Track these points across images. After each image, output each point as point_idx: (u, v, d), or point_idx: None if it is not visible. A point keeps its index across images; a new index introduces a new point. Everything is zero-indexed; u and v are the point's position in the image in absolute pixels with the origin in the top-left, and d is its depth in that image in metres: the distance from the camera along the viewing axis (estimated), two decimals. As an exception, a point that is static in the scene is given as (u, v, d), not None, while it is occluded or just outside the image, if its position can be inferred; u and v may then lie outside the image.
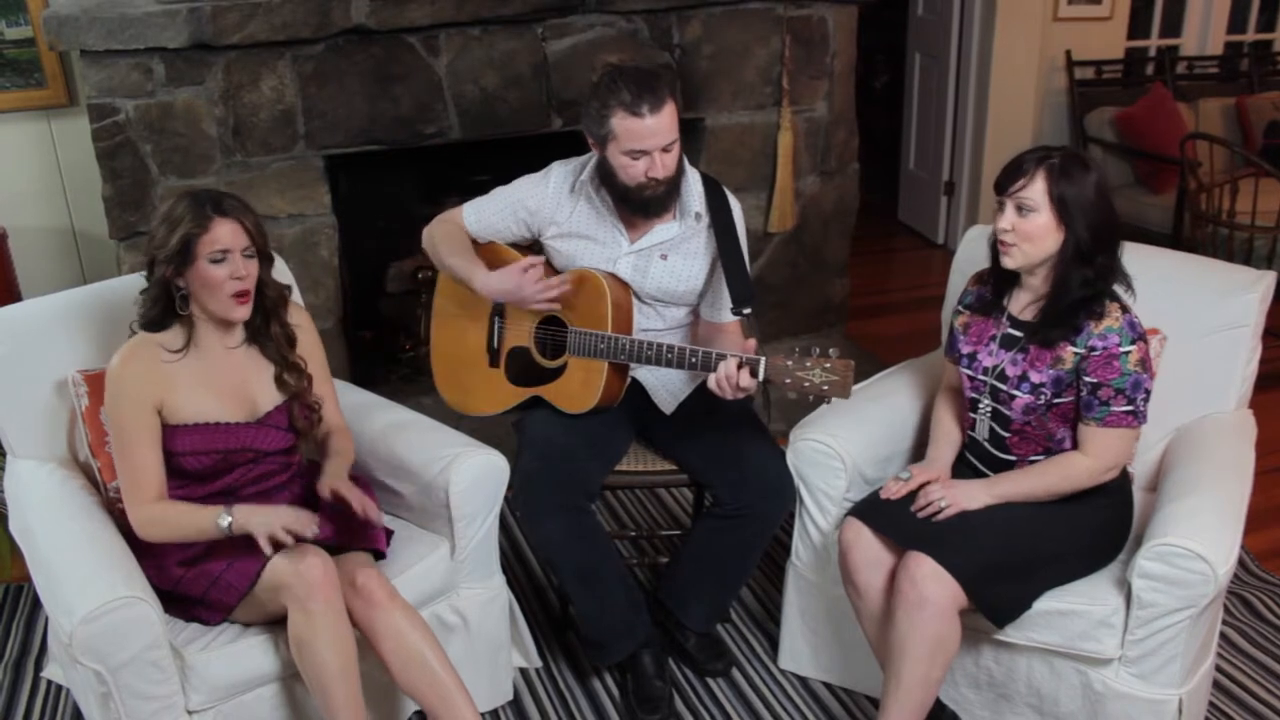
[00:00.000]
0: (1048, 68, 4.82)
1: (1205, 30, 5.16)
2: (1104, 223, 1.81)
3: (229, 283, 1.77)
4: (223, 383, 1.87)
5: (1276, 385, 3.59)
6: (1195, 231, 3.80)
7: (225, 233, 1.76)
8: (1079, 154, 1.85)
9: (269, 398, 1.91)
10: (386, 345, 3.51)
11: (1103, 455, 1.87)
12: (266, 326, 1.91)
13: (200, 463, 1.84)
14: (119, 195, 2.87)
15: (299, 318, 1.99)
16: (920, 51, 5.07)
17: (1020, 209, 1.81)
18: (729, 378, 1.86)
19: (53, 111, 3.16)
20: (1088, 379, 1.83)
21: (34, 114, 3.14)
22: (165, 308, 1.82)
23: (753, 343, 1.90)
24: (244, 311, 1.82)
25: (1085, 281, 1.82)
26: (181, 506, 1.83)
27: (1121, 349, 1.81)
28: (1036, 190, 1.79)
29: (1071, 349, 1.84)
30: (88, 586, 1.66)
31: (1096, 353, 1.82)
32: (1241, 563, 2.66)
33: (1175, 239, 4.10)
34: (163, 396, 1.81)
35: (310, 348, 1.99)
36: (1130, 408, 1.83)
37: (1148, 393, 1.85)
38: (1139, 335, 1.83)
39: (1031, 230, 1.81)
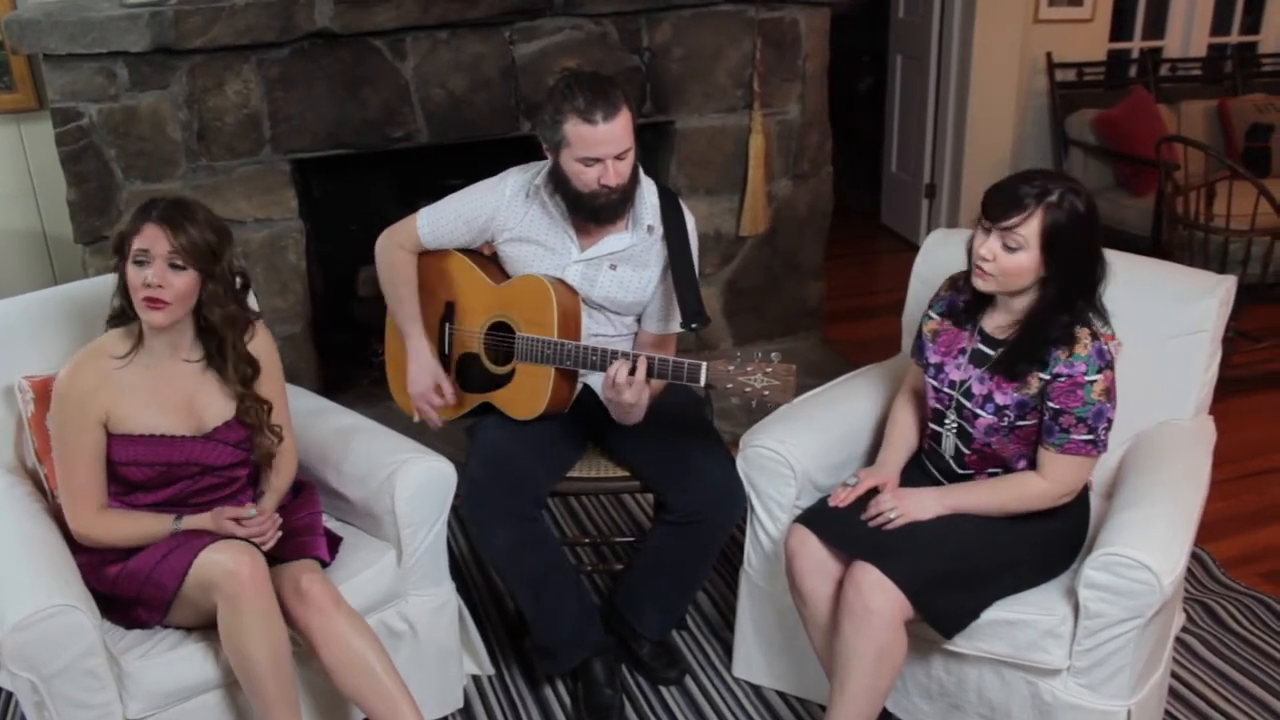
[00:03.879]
0: (1029, 70, 4.80)
1: (1188, 32, 5.14)
2: (1088, 266, 1.75)
3: (141, 288, 1.76)
4: (170, 395, 1.85)
5: (1249, 390, 3.57)
6: (1171, 234, 3.78)
7: (150, 237, 1.75)
8: (1076, 187, 1.73)
9: (217, 414, 1.89)
10: (358, 349, 3.50)
11: (1059, 481, 1.84)
12: (219, 350, 1.88)
13: (143, 473, 1.83)
14: (84, 199, 2.87)
15: (262, 344, 1.95)
16: (901, 53, 5.06)
17: (1007, 244, 1.74)
18: (611, 379, 1.89)
19: (22, 115, 3.16)
20: (1051, 404, 1.80)
21: (3, 117, 3.14)
22: (124, 302, 1.83)
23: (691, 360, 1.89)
24: (159, 319, 1.78)
25: (1062, 325, 1.78)
26: (128, 517, 1.83)
27: (1087, 378, 1.77)
28: (1030, 230, 1.71)
29: (1038, 375, 1.81)
30: (21, 594, 1.65)
31: (1061, 379, 1.78)
32: (1206, 569, 2.64)
33: (1154, 242, 4.08)
34: (109, 408, 1.80)
35: (270, 372, 1.96)
36: (1090, 437, 1.80)
37: (1110, 422, 1.82)
38: (1106, 364, 1.79)
39: (1013, 267, 1.75)
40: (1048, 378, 1.79)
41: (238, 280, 1.88)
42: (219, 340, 1.87)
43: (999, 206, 1.74)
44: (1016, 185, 1.74)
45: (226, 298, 1.85)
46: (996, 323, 1.88)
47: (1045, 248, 1.72)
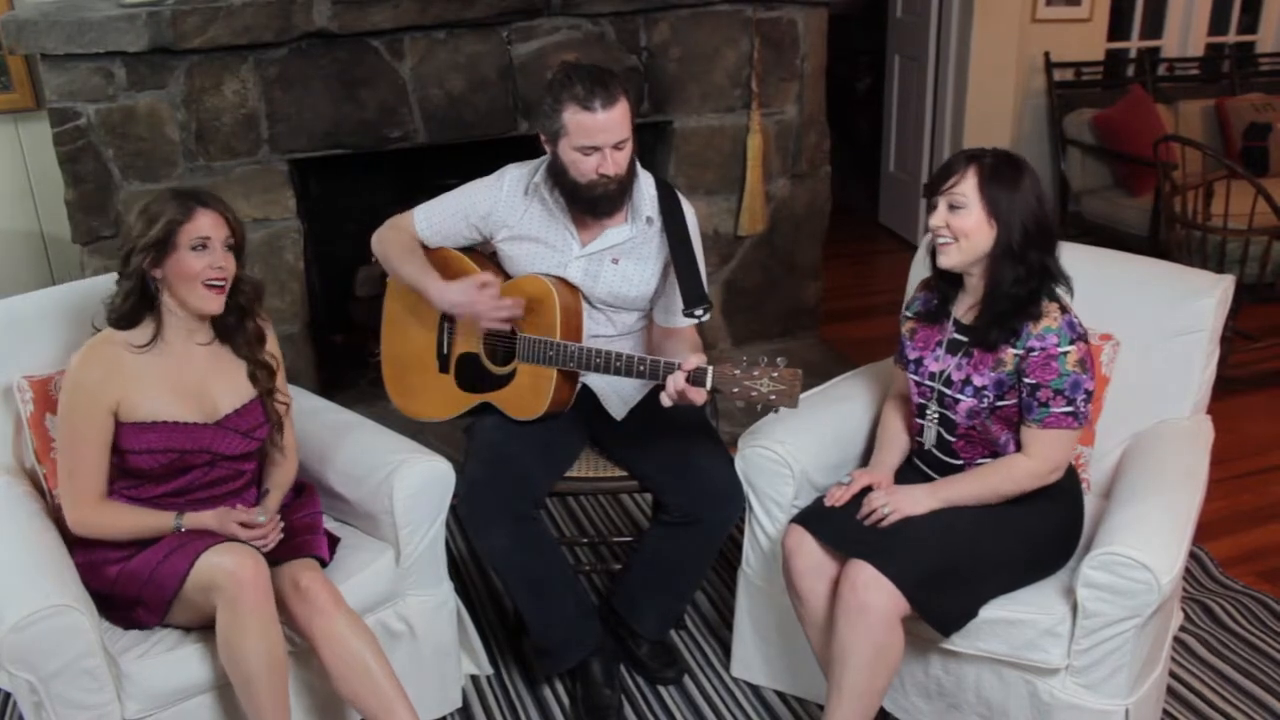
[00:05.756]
0: (1027, 69, 4.81)
1: (1186, 32, 5.15)
2: (1036, 219, 1.81)
3: (206, 271, 1.79)
4: (183, 382, 1.87)
5: (1246, 390, 3.58)
6: (1169, 234, 3.78)
7: (208, 222, 1.80)
8: (1012, 154, 1.85)
9: (229, 400, 1.90)
10: (356, 349, 3.50)
11: (1044, 457, 1.86)
12: (240, 324, 1.92)
13: (155, 461, 1.83)
14: (81, 199, 2.86)
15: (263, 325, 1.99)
16: (900, 53, 5.06)
17: (952, 206, 1.82)
18: (678, 391, 1.85)
19: (20, 115, 3.15)
20: (1027, 380, 1.83)
21: (1, 117, 3.13)
22: (138, 302, 1.83)
23: (693, 358, 1.86)
24: (218, 304, 1.84)
25: (1018, 279, 1.81)
26: (129, 510, 1.83)
27: (1060, 349, 1.81)
28: (967, 186, 1.81)
29: (1011, 350, 1.84)
30: (19, 594, 1.64)
31: (1035, 353, 1.82)
32: (1204, 568, 2.64)
33: (1153, 241, 4.09)
34: (120, 396, 1.81)
35: (273, 350, 2.00)
36: (1070, 408, 1.82)
37: (1088, 393, 1.84)
38: (1078, 335, 1.82)
39: (965, 226, 1.81)
40: (1021, 352, 1.83)
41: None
42: (240, 312, 1.91)
43: (938, 177, 1.85)
44: (951, 156, 1.88)
45: (250, 274, 1.91)
46: (965, 306, 1.93)
47: (986, 199, 1.80)
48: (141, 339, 1.84)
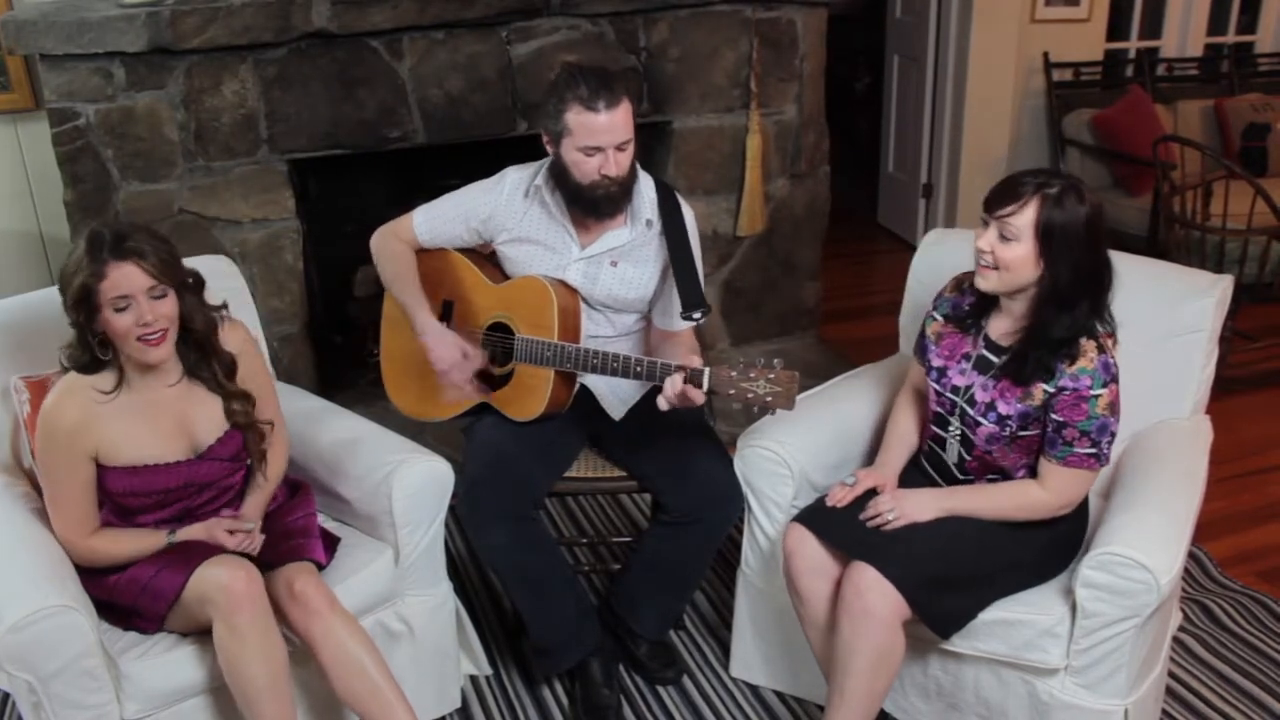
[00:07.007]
0: (1026, 69, 4.81)
1: (1185, 32, 5.15)
2: (1090, 266, 1.73)
3: (134, 329, 1.69)
4: (161, 421, 1.82)
5: (1245, 390, 3.58)
6: (1168, 234, 3.78)
7: (123, 277, 1.67)
8: (1078, 186, 1.73)
9: (209, 431, 1.86)
10: (355, 349, 3.50)
11: (1059, 492, 1.84)
12: (204, 360, 1.85)
13: (140, 502, 1.82)
14: (81, 200, 2.86)
15: (236, 337, 1.91)
16: (899, 53, 5.06)
17: (1003, 236, 1.74)
18: (676, 393, 1.85)
19: (19, 115, 3.15)
20: (1054, 417, 1.79)
21: (0, 118, 3.13)
22: (94, 354, 1.76)
23: (690, 360, 1.86)
24: (160, 353, 1.74)
25: (1065, 326, 1.75)
26: (123, 536, 1.83)
27: (1092, 392, 1.76)
28: (1023, 220, 1.71)
29: (1043, 387, 1.80)
30: (18, 595, 1.64)
31: (1066, 393, 1.77)
32: (1203, 568, 2.65)
33: (1151, 242, 4.09)
34: (98, 442, 1.77)
35: (252, 366, 1.94)
36: (1093, 450, 1.79)
37: (1113, 435, 1.81)
38: (1112, 377, 1.77)
39: (1010, 259, 1.74)
40: (1052, 390, 1.78)
41: (191, 280, 1.81)
42: (199, 348, 1.83)
43: (997, 197, 1.75)
44: (1018, 177, 1.76)
45: (199, 301, 1.81)
46: (1001, 329, 1.86)
47: (1040, 238, 1.71)
48: (106, 385, 1.78)
